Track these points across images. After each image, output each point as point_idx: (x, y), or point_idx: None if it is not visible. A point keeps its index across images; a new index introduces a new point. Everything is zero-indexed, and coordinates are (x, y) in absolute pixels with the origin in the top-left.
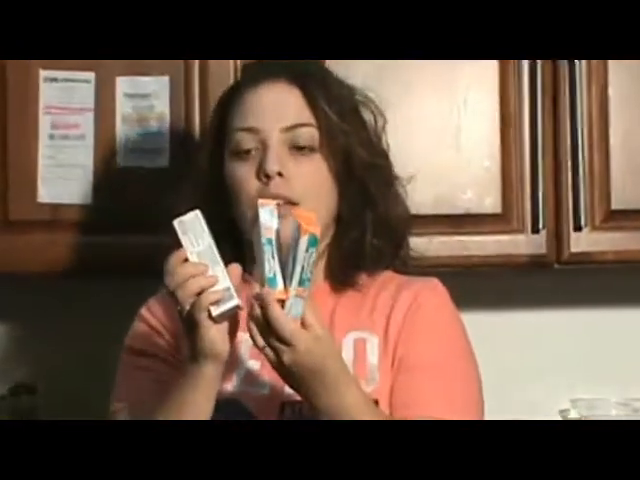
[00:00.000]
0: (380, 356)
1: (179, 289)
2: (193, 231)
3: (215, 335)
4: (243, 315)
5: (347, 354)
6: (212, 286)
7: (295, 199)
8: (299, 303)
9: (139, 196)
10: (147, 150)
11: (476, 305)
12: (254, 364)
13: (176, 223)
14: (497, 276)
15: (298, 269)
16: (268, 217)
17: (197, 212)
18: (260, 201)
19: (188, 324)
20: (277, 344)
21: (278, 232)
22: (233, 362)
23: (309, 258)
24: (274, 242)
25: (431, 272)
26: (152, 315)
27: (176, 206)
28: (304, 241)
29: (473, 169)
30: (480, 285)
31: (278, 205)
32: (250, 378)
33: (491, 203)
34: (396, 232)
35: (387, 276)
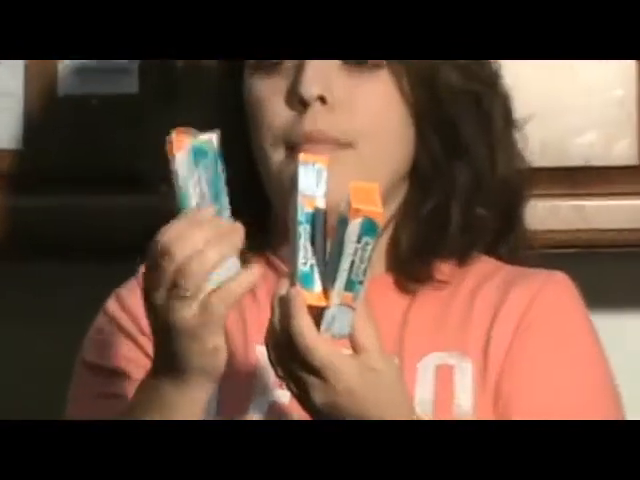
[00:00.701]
0: (476, 392)
1: (192, 264)
2: (205, 168)
3: (221, 342)
4: (262, 320)
5: (424, 389)
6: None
7: (345, 141)
8: (345, 316)
9: (95, 138)
10: (107, 71)
11: (601, 304)
12: (281, 395)
13: (181, 156)
14: (632, 260)
15: (345, 265)
16: (311, 180)
17: (215, 135)
18: (302, 156)
19: (183, 323)
20: (304, 375)
21: (323, 210)
22: (250, 389)
23: (362, 252)
24: (316, 220)
25: (543, 257)
26: (124, 311)
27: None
28: (355, 227)
29: (596, 102)
30: (606, 274)
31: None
32: (274, 415)
33: (623, 151)
34: (504, 198)
35: (485, 266)
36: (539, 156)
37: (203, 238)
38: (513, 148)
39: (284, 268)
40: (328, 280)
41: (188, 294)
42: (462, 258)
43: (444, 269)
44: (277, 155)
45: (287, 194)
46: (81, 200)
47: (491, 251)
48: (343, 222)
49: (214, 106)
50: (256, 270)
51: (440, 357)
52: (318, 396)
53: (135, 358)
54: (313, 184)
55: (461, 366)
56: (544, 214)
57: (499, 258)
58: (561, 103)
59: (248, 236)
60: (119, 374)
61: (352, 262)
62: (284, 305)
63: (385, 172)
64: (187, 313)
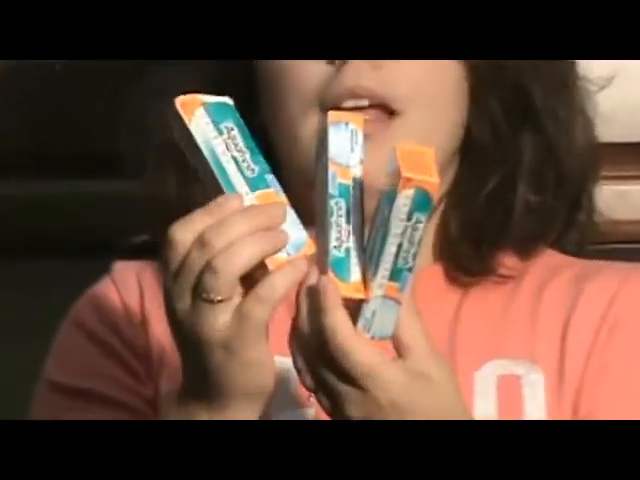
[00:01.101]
0: (550, 408)
1: (226, 260)
2: (229, 130)
3: (265, 354)
4: (277, 325)
5: (485, 404)
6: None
7: (393, 103)
8: (388, 311)
9: (60, 111)
10: None
11: None
12: (304, 413)
13: (197, 121)
14: None
15: (390, 249)
16: (344, 145)
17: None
18: (332, 114)
19: (215, 335)
20: (338, 384)
21: (360, 178)
22: (267, 407)
23: (412, 232)
24: (352, 194)
25: (608, 252)
26: (99, 320)
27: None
28: (405, 200)
29: None
30: None
31: (365, 122)
32: None
33: None
34: (577, 178)
35: (552, 259)
36: (607, 129)
37: (242, 229)
38: (588, 118)
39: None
40: (368, 267)
41: (220, 298)
42: (527, 249)
43: (504, 261)
44: (309, 121)
45: (316, 165)
46: (45, 187)
47: (558, 242)
48: (389, 195)
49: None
50: (302, 261)
51: (503, 365)
52: (355, 410)
53: (116, 377)
54: (347, 149)
55: (530, 377)
56: (611, 200)
57: (562, 252)
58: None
59: None
60: (95, 397)
61: (399, 245)
62: (314, 298)
63: (437, 145)
64: (219, 321)
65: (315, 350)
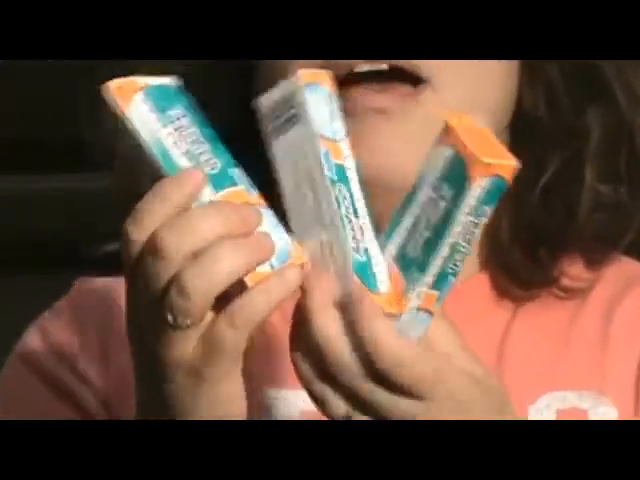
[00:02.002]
0: None
1: (196, 277)
2: (177, 116)
3: (237, 386)
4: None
5: None
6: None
7: (419, 67)
8: (419, 323)
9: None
10: None
11: None
12: None
13: (135, 107)
14: None
15: (444, 251)
16: (324, 113)
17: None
18: (302, 74)
19: (182, 360)
20: (399, 400)
21: (351, 156)
22: None
23: (472, 230)
24: (350, 176)
25: None
26: (49, 351)
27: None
28: (477, 191)
29: None
30: None
31: (384, 93)
32: None
33: None
34: None
35: (628, 269)
36: None
37: (214, 229)
38: None
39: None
40: (405, 273)
41: (189, 323)
42: (596, 255)
43: (567, 269)
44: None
45: None
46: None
47: (631, 248)
48: (452, 182)
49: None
50: (292, 272)
51: (564, 398)
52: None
53: (63, 416)
54: (327, 119)
55: (598, 412)
56: None
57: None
58: None
59: None
60: None
61: (454, 245)
62: (347, 311)
63: (480, 122)
64: (186, 348)
65: (350, 371)
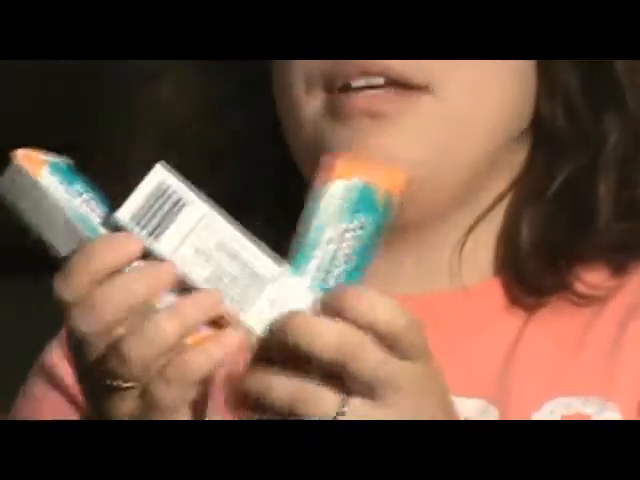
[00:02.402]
0: None
1: (133, 344)
2: (81, 190)
3: None
4: None
5: None
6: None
7: (415, 77)
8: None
9: None
10: None
11: None
12: None
13: (47, 174)
14: None
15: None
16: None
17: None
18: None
19: (121, 416)
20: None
21: None
22: None
23: (345, 237)
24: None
25: None
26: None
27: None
28: (329, 196)
29: None
30: None
31: (380, 99)
32: None
33: None
34: None
35: None
36: None
37: (146, 291)
38: None
39: None
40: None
41: (127, 385)
42: (616, 262)
43: (586, 277)
44: (312, 104)
45: (324, 154)
46: None
47: None
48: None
49: None
50: (234, 336)
51: (569, 404)
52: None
53: None
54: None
55: (603, 417)
56: None
57: None
58: None
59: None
60: None
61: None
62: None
63: (484, 129)
64: (124, 408)
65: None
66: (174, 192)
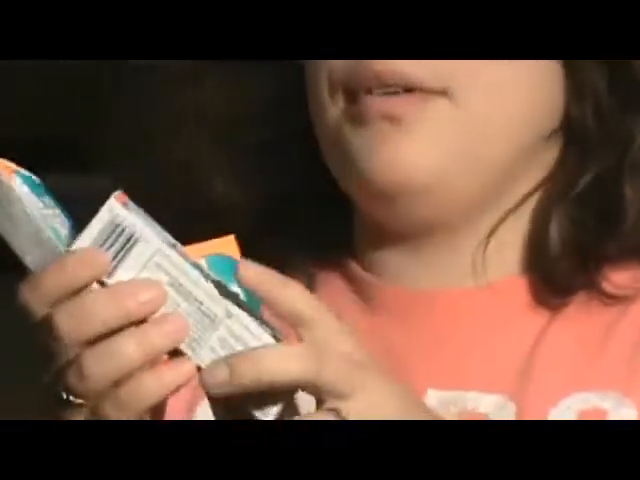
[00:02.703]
0: None
1: (93, 364)
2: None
3: None
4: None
5: None
6: None
7: (435, 84)
8: None
9: None
10: None
11: None
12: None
13: (20, 182)
14: None
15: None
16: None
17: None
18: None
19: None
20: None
21: None
22: None
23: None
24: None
25: None
26: None
27: None
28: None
29: None
30: None
31: (397, 104)
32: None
33: None
34: None
35: None
36: None
37: (112, 314)
38: None
39: (370, 280)
40: None
41: (81, 402)
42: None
43: (613, 277)
44: (335, 107)
45: (346, 160)
46: None
47: None
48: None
49: None
50: (189, 367)
51: (587, 399)
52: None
53: None
54: (154, 227)
55: (620, 412)
56: None
57: None
58: None
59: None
60: None
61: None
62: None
63: (505, 132)
64: (75, 418)
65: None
66: (127, 227)
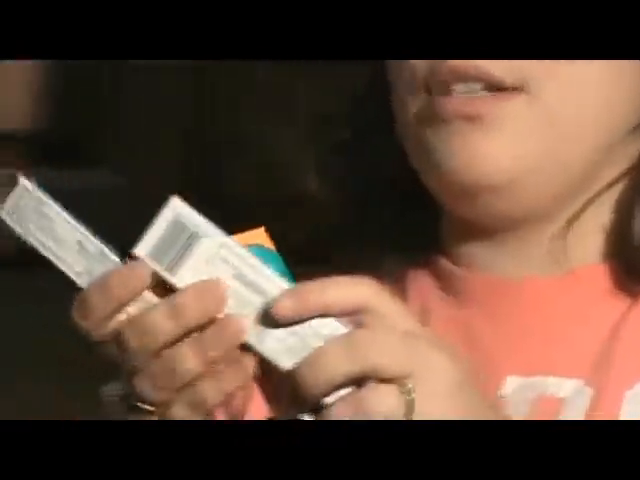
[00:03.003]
0: None
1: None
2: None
3: None
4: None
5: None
6: None
7: (515, 82)
8: None
9: None
10: None
11: None
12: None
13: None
14: None
15: None
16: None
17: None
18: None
19: None
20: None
21: None
22: None
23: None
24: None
25: None
26: None
27: None
28: None
29: None
30: None
31: (475, 100)
32: None
33: None
34: None
35: None
36: None
37: (174, 328)
38: None
39: (459, 273)
40: None
41: (152, 409)
42: None
43: None
44: (415, 105)
45: (427, 159)
46: None
47: None
48: None
49: None
50: (251, 362)
51: None
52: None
53: None
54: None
55: None
56: None
57: None
58: None
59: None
60: None
61: None
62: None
63: (589, 128)
64: (142, 418)
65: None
66: (189, 224)
